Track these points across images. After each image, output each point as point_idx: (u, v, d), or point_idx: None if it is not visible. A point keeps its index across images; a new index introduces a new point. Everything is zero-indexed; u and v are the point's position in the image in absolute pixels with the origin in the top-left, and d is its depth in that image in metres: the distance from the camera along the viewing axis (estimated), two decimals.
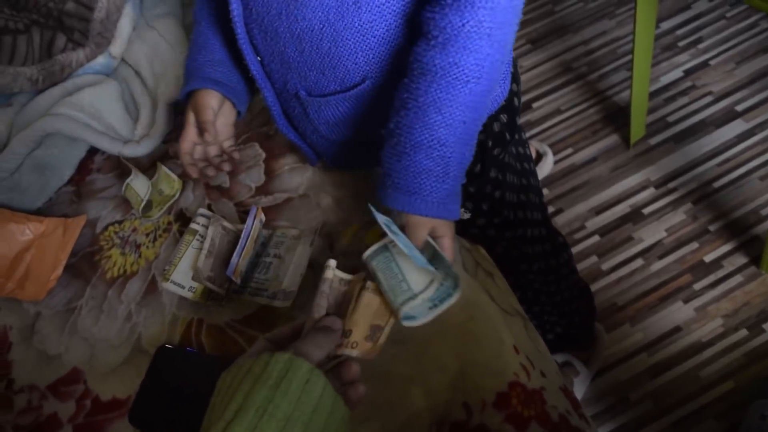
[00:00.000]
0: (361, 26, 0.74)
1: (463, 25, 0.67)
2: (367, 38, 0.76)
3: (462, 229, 1.06)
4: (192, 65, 0.91)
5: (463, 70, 0.68)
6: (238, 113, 0.95)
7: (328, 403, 0.54)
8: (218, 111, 0.90)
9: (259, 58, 0.84)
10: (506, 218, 1.06)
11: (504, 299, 0.88)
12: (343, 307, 0.71)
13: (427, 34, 0.69)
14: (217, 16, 0.91)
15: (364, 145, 0.87)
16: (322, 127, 0.88)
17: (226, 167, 0.92)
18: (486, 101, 0.74)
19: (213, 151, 0.93)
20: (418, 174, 0.72)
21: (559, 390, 0.78)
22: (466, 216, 1.03)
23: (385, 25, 0.74)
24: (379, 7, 0.73)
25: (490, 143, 0.93)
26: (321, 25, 0.75)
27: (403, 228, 0.74)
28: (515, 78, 0.96)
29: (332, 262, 0.73)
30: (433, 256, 0.73)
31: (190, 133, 0.90)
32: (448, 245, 0.75)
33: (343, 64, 0.78)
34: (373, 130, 0.80)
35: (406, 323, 0.68)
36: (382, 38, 0.76)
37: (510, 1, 0.67)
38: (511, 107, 0.95)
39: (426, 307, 0.71)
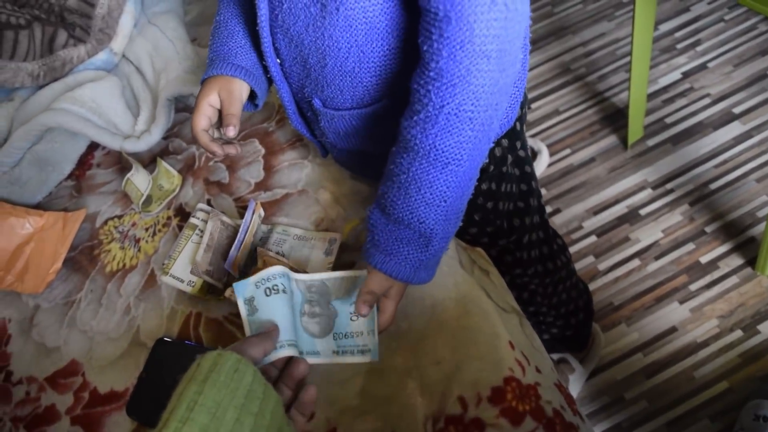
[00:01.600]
0: (390, 51, 0.73)
1: (443, 106, 0.64)
2: (393, 62, 0.74)
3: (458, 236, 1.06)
4: (222, 49, 0.87)
5: (442, 152, 0.66)
6: (256, 106, 0.92)
7: (259, 390, 0.57)
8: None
9: (279, 60, 0.82)
10: (499, 227, 1.06)
11: (500, 296, 0.89)
12: None
13: (412, 106, 0.67)
14: (242, 14, 0.89)
15: (372, 157, 0.87)
16: (331, 135, 0.87)
17: (238, 148, 0.89)
18: (471, 179, 0.72)
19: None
20: (398, 241, 0.71)
21: (553, 386, 0.79)
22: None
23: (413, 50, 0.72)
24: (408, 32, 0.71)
25: (491, 168, 0.94)
26: (348, 46, 0.72)
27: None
28: (522, 104, 0.96)
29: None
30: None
31: (207, 111, 0.84)
32: (390, 309, 0.75)
33: (364, 85, 0.77)
34: (382, 145, 0.78)
35: (310, 359, 0.76)
36: (409, 61, 0.73)
37: (494, 84, 0.64)
38: (513, 131, 0.95)
39: (331, 351, 0.76)
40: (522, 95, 0.94)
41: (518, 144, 1.01)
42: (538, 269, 1.21)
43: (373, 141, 0.85)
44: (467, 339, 0.76)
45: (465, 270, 0.84)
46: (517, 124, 0.97)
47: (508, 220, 1.07)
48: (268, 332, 0.71)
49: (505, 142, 0.95)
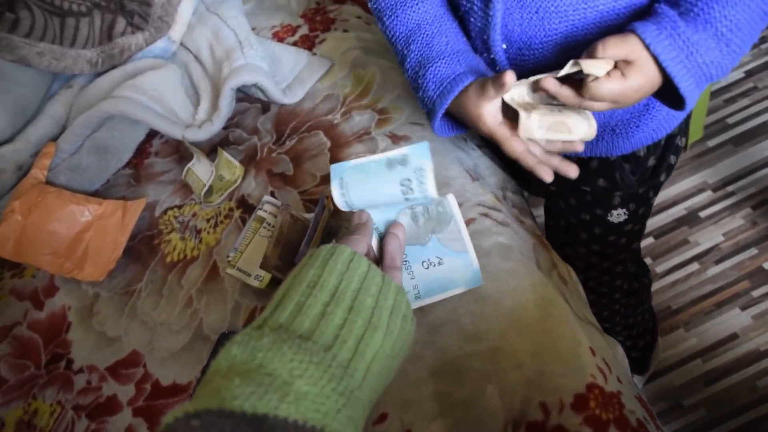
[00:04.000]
0: None
1: None
2: None
3: (603, 232, 1.03)
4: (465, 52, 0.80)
5: None
6: None
7: (377, 278, 0.57)
8: None
9: (504, 45, 0.78)
10: (642, 227, 1.03)
11: (578, 306, 0.85)
12: None
13: None
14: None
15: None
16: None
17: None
18: None
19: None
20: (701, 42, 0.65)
21: (634, 398, 0.75)
22: (623, 218, 0.99)
23: None
24: None
25: (677, 139, 0.91)
26: None
27: None
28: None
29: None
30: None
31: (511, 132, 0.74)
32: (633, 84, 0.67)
33: None
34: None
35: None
36: None
37: None
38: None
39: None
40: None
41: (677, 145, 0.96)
42: (625, 287, 1.17)
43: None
44: (548, 343, 0.72)
45: (542, 272, 0.81)
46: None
47: (643, 223, 1.05)
48: (364, 224, 0.67)
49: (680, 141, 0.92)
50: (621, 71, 0.66)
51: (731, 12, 0.63)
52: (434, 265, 0.70)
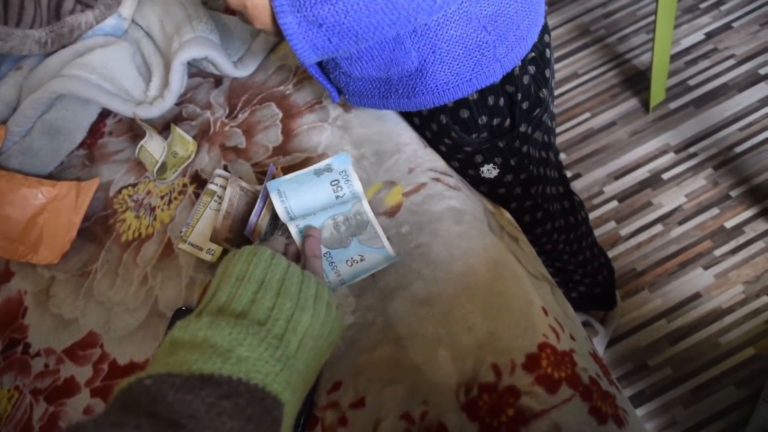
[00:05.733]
0: None
1: None
2: None
3: (490, 188, 1.04)
4: None
5: None
6: None
7: (297, 272, 0.62)
8: None
9: None
10: (531, 174, 1.04)
11: (530, 263, 0.86)
12: None
13: None
14: None
15: (383, 82, 0.85)
16: (344, 63, 0.83)
17: None
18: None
19: None
20: None
21: (588, 354, 0.76)
22: (495, 172, 1.00)
23: None
24: None
25: (519, 96, 0.90)
26: None
27: None
28: (545, 29, 0.92)
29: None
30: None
31: None
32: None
33: None
34: (393, 68, 0.80)
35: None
36: None
37: None
38: (542, 59, 0.92)
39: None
40: (544, 19, 0.90)
41: (548, 89, 0.96)
42: (562, 223, 1.19)
43: (385, 65, 0.82)
44: (499, 305, 0.72)
45: (494, 234, 0.81)
46: (547, 51, 0.93)
47: (537, 167, 1.05)
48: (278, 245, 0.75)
49: (531, 68, 0.91)
50: None
51: None
52: (357, 262, 0.78)
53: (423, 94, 0.84)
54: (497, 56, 0.83)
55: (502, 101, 0.89)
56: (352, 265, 0.78)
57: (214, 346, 0.50)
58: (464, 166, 1.01)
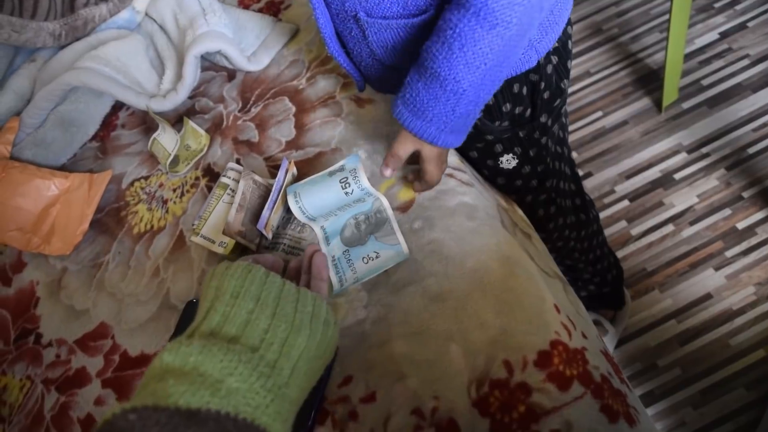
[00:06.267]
0: None
1: None
2: None
3: (508, 179, 1.04)
4: None
5: (492, 10, 0.64)
6: None
7: (292, 290, 0.61)
8: None
9: None
10: (548, 166, 1.04)
11: (542, 260, 0.85)
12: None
13: None
14: None
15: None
16: (380, 50, 0.83)
17: None
18: (515, 49, 0.71)
19: None
20: (428, 98, 0.72)
21: (600, 352, 0.76)
22: (514, 163, 1.00)
23: None
24: None
25: (542, 85, 0.90)
26: None
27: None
28: (568, 20, 0.92)
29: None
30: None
31: None
32: (428, 169, 0.80)
33: None
34: None
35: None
36: None
37: None
38: (564, 50, 0.91)
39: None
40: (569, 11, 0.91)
41: (566, 79, 0.97)
42: (573, 219, 1.18)
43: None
44: (512, 301, 0.72)
45: (507, 230, 0.81)
46: (569, 43, 0.94)
47: (553, 161, 1.06)
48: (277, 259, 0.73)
49: (554, 59, 0.91)
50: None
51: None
52: (372, 259, 0.80)
53: None
54: (532, 42, 0.83)
55: (525, 90, 0.89)
56: (367, 262, 0.80)
57: (203, 375, 0.49)
58: (483, 156, 1.00)
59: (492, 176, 1.05)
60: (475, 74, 0.69)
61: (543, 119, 0.95)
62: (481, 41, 0.66)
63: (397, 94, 0.76)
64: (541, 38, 0.84)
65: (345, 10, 0.80)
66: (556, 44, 0.89)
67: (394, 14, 0.77)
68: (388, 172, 0.81)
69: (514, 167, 1.01)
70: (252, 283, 0.59)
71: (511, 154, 0.99)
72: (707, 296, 1.65)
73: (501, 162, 1.01)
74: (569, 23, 0.92)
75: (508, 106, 0.90)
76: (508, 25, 0.66)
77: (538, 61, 0.87)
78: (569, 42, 0.93)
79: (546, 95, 0.92)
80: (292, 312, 0.58)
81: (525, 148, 0.98)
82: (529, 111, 0.92)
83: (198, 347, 0.50)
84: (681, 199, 1.81)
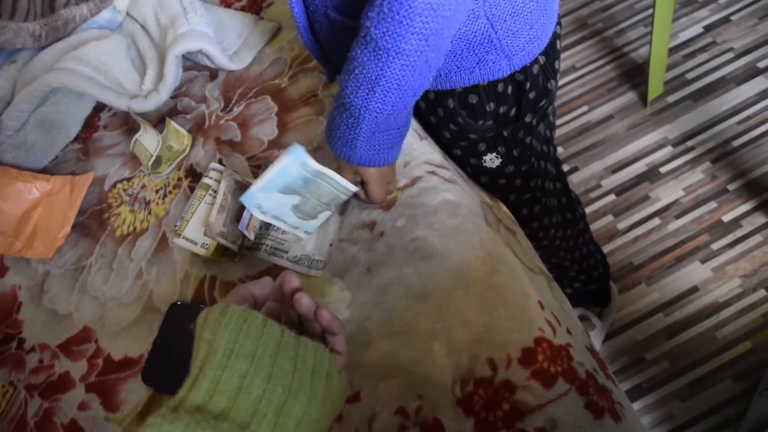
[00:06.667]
0: None
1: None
2: None
3: (491, 178, 1.03)
4: None
5: (383, 44, 0.65)
6: None
7: (291, 341, 0.55)
8: None
9: None
10: (532, 166, 1.04)
11: (527, 257, 0.85)
12: None
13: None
14: None
15: None
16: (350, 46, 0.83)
17: None
18: (413, 76, 0.69)
19: None
20: (338, 120, 0.74)
21: (585, 348, 0.76)
22: (498, 162, 1.00)
23: None
24: None
25: (528, 85, 0.90)
26: None
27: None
28: (558, 20, 0.92)
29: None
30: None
31: None
32: (369, 189, 0.80)
33: None
34: None
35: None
36: None
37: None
38: (552, 50, 0.91)
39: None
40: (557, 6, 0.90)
41: (554, 79, 0.96)
42: (559, 218, 1.18)
43: None
44: (495, 298, 0.72)
45: (491, 228, 0.81)
46: (557, 42, 0.93)
47: (538, 161, 1.05)
48: (264, 279, 0.67)
49: (542, 59, 0.90)
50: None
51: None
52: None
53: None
54: (506, 53, 0.83)
55: (510, 89, 0.89)
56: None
57: None
58: (467, 155, 1.00)
59: (475, 175, 1.04)
60: (365, 93, 0.70)
61: (528, 119, 0.95)
62: (370, 66, 0.67)
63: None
64: (517, 51, 0.82)
65: (316, 5, 0.80)
66: (546, 47, 0.89)
67: (358, 14, 0.77)
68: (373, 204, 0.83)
69: (497, 166, 1.01)
70: (247, 337, 0.53)
71: (494, 154, 0.99)
72: (694, 289, 1.65)
73: (484, 161, 1.00)
74: (557, 22, 0.91)
75: (492, 105, 0.90)
76: (400, 54, 0.65)
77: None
78: (558, 42, 0.92)
79: (532, 95, 0.92)
80: (291, 370, 0.53)
81: (509, 147, 0.98)
82: (513, 111, 0.92)
83: (182, 427, 0.46)
84: (667, 193, 1.81)
